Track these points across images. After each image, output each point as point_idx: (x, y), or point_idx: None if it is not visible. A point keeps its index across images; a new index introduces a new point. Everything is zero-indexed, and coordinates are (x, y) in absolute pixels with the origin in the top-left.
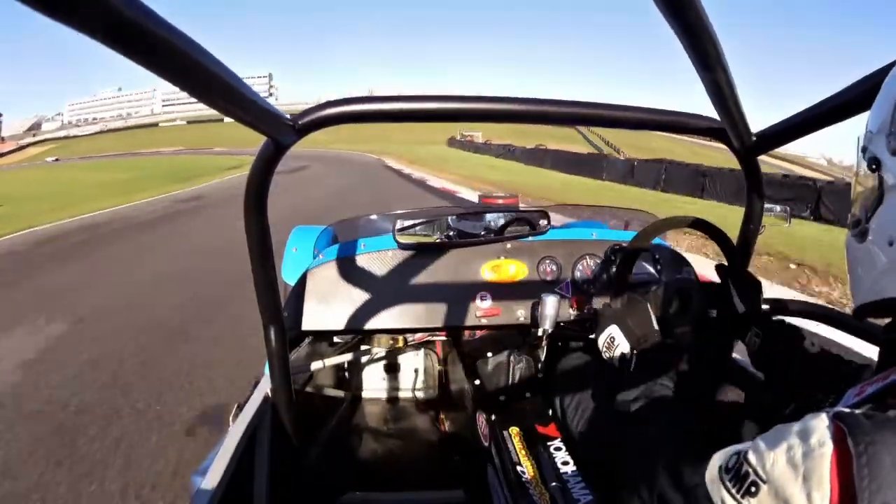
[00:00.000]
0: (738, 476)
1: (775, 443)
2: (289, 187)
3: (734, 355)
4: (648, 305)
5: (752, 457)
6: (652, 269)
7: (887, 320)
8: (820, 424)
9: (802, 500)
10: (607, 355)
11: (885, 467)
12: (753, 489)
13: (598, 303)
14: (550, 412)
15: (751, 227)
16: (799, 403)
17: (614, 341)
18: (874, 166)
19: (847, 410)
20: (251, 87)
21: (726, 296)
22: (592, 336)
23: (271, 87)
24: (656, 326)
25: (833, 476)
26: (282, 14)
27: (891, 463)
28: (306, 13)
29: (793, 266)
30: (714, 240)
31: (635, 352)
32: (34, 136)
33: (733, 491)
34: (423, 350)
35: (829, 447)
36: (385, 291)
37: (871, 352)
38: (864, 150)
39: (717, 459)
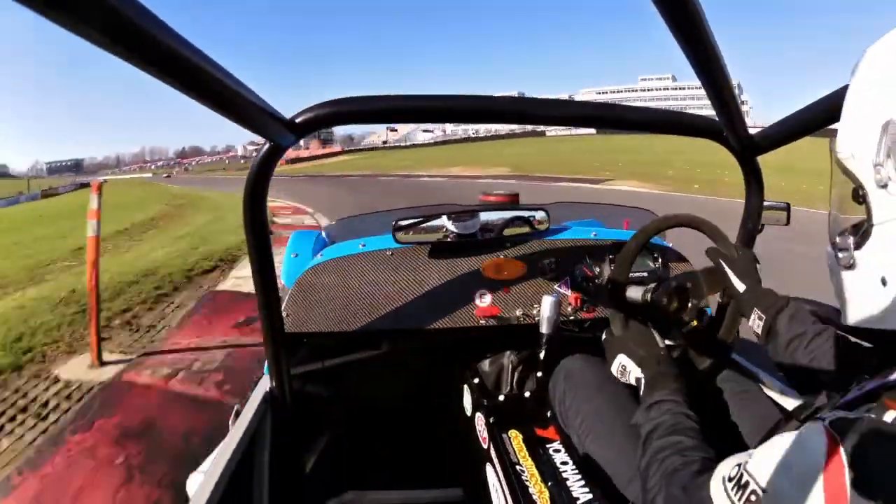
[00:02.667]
0: (740, 485)
1: (773, 453)
2: None
3: (734, 356)
4: (650, 325)
5: (751, 467)
6: (651, 268)
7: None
8: (815, 434)
9: None
10: (622, 381)
11: (875, 477)
12: (753, 498)
13: (600, 311)
14: (549, 414)
15: (749, 226)
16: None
17: (626, 369)
18: (860, 194)
19: (843, 416)
20: (248, 87)
21: (723, 278)
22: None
23: (742, 102)
24: (661, 344)
25: (826, 487)
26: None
27: (880, 472)
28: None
29: None
30: (713, 239)
31: (643, 376)
32: (384, 142)
33: (735, 499)
34: (422, 350)
35: (822, 458)
36: (384, 291)
37: None
38: (843, 168)
39: (722, 469)
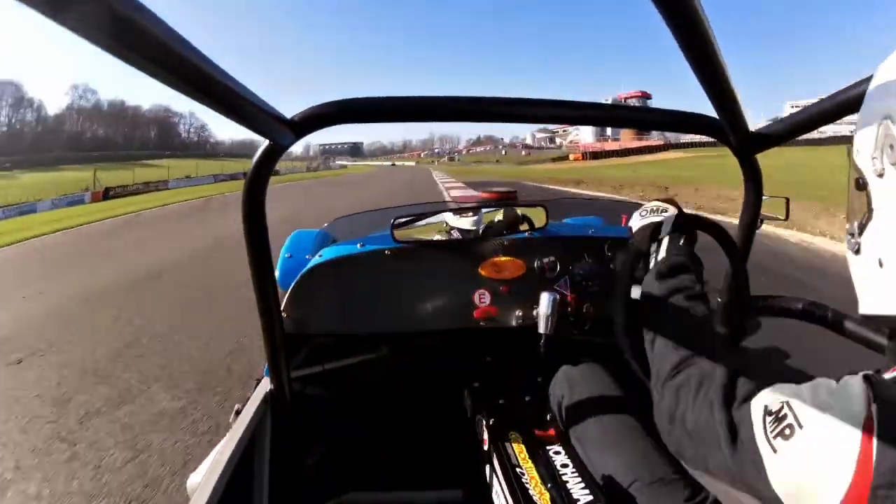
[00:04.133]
0: (778, 417)
1: (817, 395)
2: None
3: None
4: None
5: (795, 402)
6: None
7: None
8: (855, 386)
9: (833, 453)
10: (640, 222)
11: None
12: (788, 431)
13: (599, 311)
14: (549, 416)
15: (748, 221)
16: None
17: (654, 225)
18: (861, 184)
19: (877, 377)
20: (247, 88)
21: (726, 284)
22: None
23: None
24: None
25: (864, 434)
26: None
27: None
28: None
29: None
30: (713, 236)
31: (670, 238)
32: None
33: (769, 430)
34: (422, 351)
35: (863, 407)
36: (384, 292)
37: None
38: (853, 163)
39: (765, 397)
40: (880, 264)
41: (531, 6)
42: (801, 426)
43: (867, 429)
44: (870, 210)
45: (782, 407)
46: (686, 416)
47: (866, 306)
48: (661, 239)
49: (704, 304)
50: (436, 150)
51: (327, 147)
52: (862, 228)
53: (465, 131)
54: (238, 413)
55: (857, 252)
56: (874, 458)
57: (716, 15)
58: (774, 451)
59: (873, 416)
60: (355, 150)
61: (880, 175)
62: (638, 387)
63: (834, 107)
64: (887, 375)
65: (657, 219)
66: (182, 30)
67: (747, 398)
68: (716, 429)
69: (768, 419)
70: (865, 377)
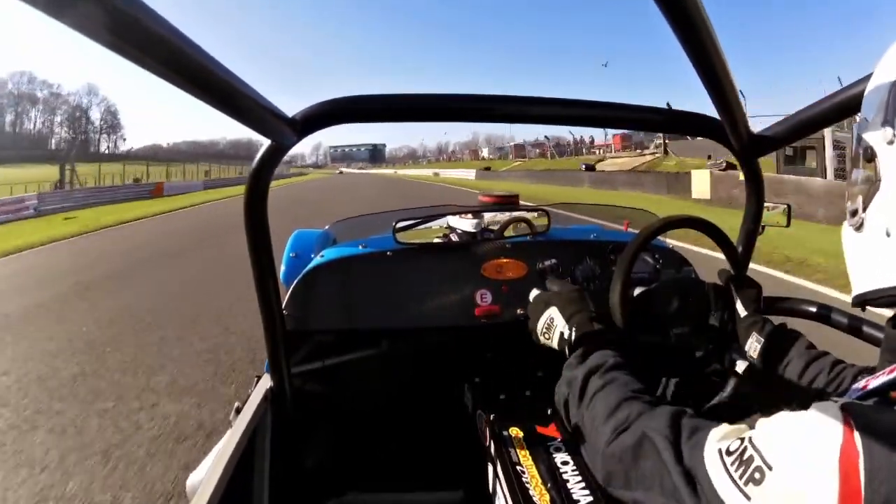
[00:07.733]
0: (742, 460)
1: (783, 428)
2: None
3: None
4: (586, 294)
5: (758, 441)
6: (651, 269)
7: (888, 313)
8: (829, 414)
9: (811, 491)
10: (543, 340)
11: (889, 461)
12: (758, 476)
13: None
14: (550, 412)
15: (751, 227)
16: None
17: (553, 322)
18: (869, 155)
19: (856, 402)
20: (250, 86)
21: (728, 300)
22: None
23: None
24: (592, 307)
25: (841, 467)
26: None
27: (892, 455)
28: None
29: None
30: (715, 240)
31: (573, 329)
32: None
33: (736, 476)
34: (423, 349)
35: (838, 438)
36: (385, 291)
37: (872, 354)
38: (858, 139)
39: (716, 440)
40: (887, 234)
41: (538, 8)
42: (770, 468)
43: (847, 463)
44: (877, 181)
45: (745, 447)
46: (632, 481)
47: (865, 283)
48: (570, 337)
49: (623, 368)
50: (510, 144)
51: (338, 151)
52: (867, 202)
53: (525, 132)
54: (238, 411)
55: (860, 228)
56: (863, 494)
57: (717, 14)
58: (748, 498)
59: (858, 448)
60: (375, 155)
61: (891, 142)
62: (642, 386)
63: (833, 108)
64: (875, 381)
65: (559, 331)
66: (182, 26)
67: (697, 444)
68: (672, 483)
69: (729, 461)
70: (843, 407)
